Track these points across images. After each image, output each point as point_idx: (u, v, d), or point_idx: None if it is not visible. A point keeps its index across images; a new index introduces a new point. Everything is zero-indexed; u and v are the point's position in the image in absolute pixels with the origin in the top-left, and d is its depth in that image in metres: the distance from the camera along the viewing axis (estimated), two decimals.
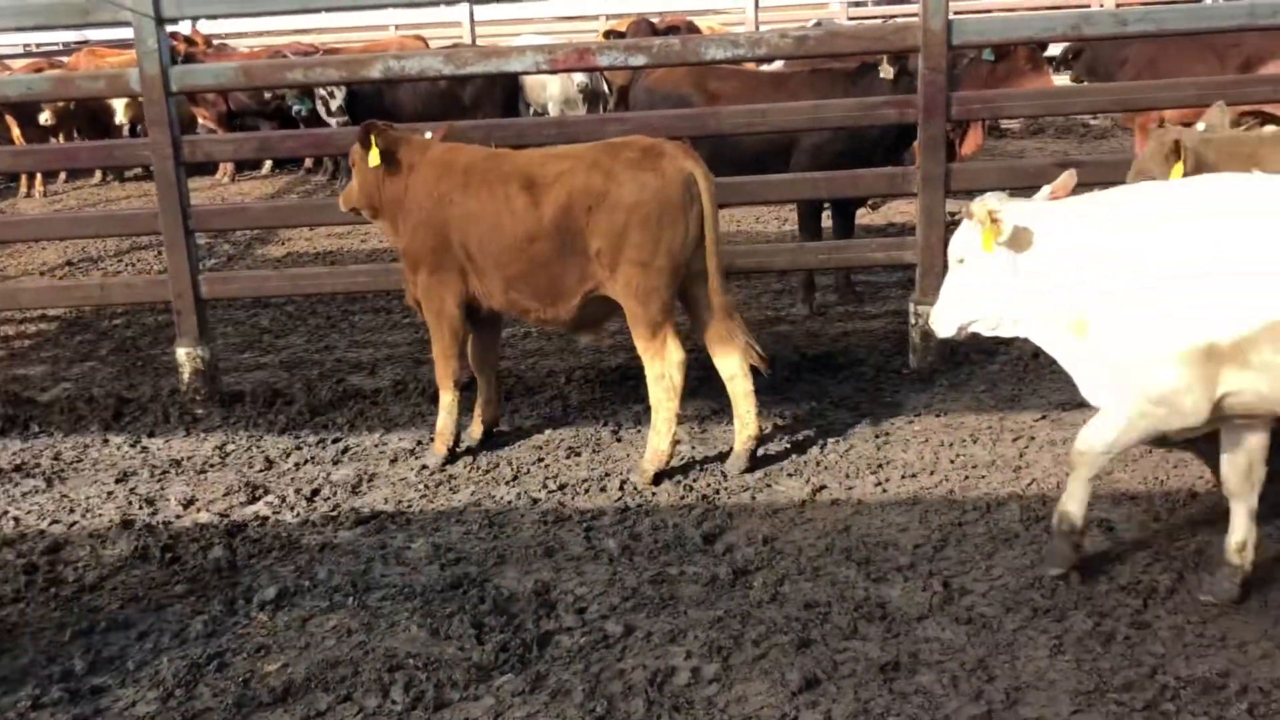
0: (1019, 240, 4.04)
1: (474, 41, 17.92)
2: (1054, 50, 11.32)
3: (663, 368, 5.26)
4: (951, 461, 5.44)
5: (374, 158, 5.53)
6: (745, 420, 5.42)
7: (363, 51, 14.02)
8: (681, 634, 4.09)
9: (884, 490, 5.19)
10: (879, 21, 16.96)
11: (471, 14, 18.00)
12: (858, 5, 21.24)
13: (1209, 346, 3.70)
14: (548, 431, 6.11)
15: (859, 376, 6.68)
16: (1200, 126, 4.91)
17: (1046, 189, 4.27)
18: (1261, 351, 3.65)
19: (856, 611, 4.17)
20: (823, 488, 5.26)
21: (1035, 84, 7.50)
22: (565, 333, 6.38)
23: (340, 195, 5.97)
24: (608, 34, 13.63)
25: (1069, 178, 4.25)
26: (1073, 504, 4.25)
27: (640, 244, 5.08)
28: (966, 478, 5.27)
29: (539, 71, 6.60)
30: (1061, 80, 10.93)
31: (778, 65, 9.69)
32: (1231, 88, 6.16)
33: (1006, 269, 4.10)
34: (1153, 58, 9.37)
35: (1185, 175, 4.42)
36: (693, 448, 5.80)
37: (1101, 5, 18.34)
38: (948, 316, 4.35)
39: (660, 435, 5.36)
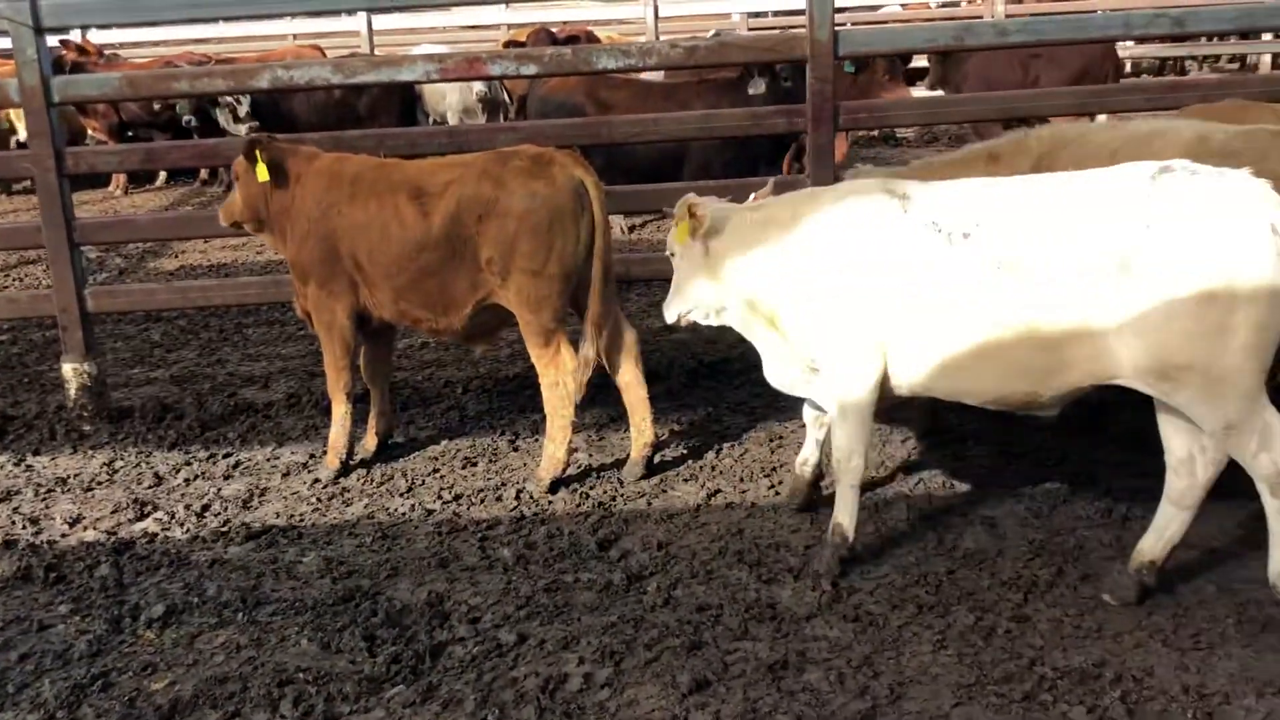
0: (713, 235, 4.43)
1: (373, 51, 17.78)
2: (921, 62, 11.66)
3: (557, 375, 5.27)
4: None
5: (261, 172, 5.46)
6: (641, 427, 5.46)
7: (257, 61, 13.85)
8: (574, 640, 4.10)
9: (777, 493, 5.26)
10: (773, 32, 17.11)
11: (370, 24, 17.84)
12: (758, 16, 21.44)
13: (870, 338, 4.15)
14: (444, 442, 6.08)
15: (755, 382, 6.68)
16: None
17: (753, 195, 4.76)
18: (917, 340, 4.08)
19: (747, 613, 4.22)
20: (718, 492, 5.31)
21: (892, 95, 7.70)
22: (458, 343, 6.35)
23: (220, 209, 5.88)
24: (508, 44, 13.62)
25: (770, 187, 4.73)
26: (844, 514, 4.46)
27: (531, 252, 5.09)
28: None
29: (430, 81, 6.55)
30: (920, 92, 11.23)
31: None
32: (1107, 95, 6.37)
33: (703, 262, 4.50)
34: (984, 70, 9.78)
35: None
36: (590, 455, 5.82)
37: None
38: (670, 305, 4.74)
39: (556, 443, 5.37)
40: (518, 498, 5.35)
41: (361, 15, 17.72)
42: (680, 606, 4.30)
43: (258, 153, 5.45)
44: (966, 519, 4.89)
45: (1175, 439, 4.02)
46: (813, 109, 6.26)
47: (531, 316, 5.19)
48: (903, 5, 21.80)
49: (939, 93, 10.44)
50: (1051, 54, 10.25)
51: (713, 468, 5.60)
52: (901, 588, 4.35)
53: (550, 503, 5.29)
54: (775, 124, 6.38)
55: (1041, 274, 3.82)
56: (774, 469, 5.52)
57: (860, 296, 4.13)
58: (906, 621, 4.12)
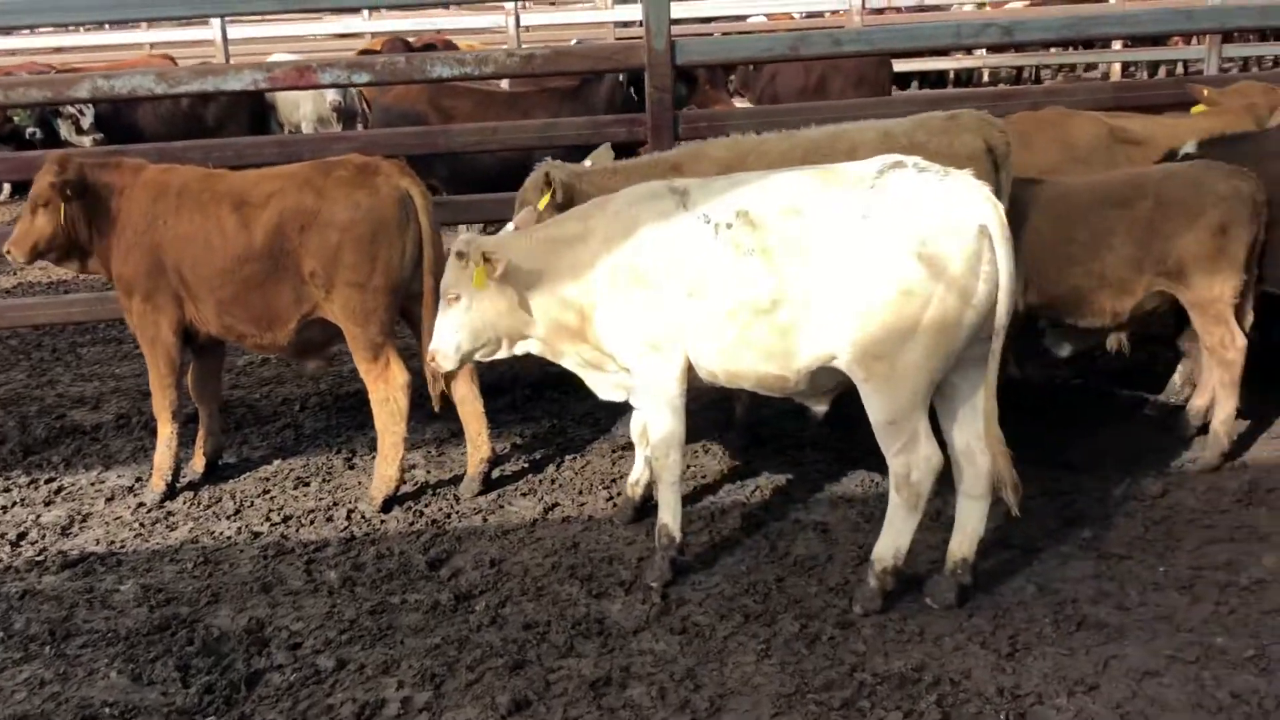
0: (509, 272, 4.31)
1: (228, 61, 17.31)
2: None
3: (387, 391, 5.15)
4: (687, 469, 5.48)
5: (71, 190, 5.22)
6: (478, 442, 5.35)
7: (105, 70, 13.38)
8: (395, 664, 4.00)
9: (615, 505, 5.20)
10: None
11: (224, 32, 17.37)
12: (625, 26, 21.42)
13: (667, 331, 4.18)
14: (277, 462, 5.90)
15: (519, 394, 6.66)
16: (587, 163, 5.35)
17: (511, 224, 4.70)
18: (704, 329, 4.13)
19: (575, 629, 4.15)
20: (555, 505, 5.24)
21: (717, 105, 7.75)
22: (288, 359, 6.17)
23: (10, 244, 5.36)
24: (363, 52, 13.37)
25: (529, 214, 4.66)
26: (668, 515, 4.46)
27: (355, 264, 4.96)
28: (698, 488, 5.33)
29: (258, 90, 6.38)
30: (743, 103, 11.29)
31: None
32: (937, 105, 6.45)
33: (497, 297, 4.38)
34: (778, 75, 9.94)
35: (555, 205, 4.91)
36: (429, 472, 5.70)
37: None
38: (450, 348, 4.50)
39: (388, 461, 5.24)
40: (349, 518, 5.21)
41: (215, 23, 17.22)
42: (507, 625, 4.22)
43: (57, 180, 5.17)
44: (799, 525, 4.89)
45: (954, 431, 4.13)
46: (652, 118, 6.24)
47: (358, 330, 5.06)
48: (767, 16, 21.97)
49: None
50: (836, 60, 10.26)
51: (553, 481, 5.52)
52: (730, 597, 4.33)
53: (383, 522, 5.16)
54: (615, 133, 6.34)
55: (778, 259, 3.96)
56: (614, 480, 5.47)
57: (653, 292, 4.17)
58: (733, 631, 4.09)
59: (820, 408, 4.41)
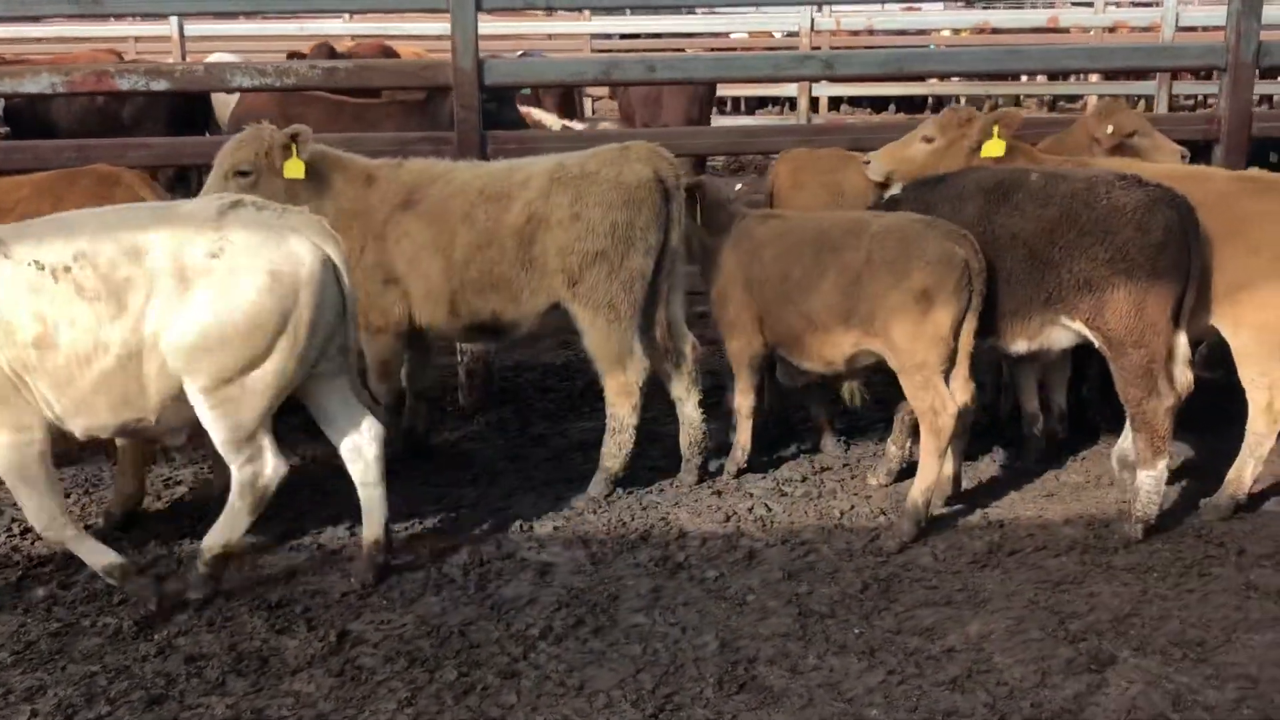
0: None
1: (184, 58, 17.29)
2: None
3: None
4: (437, 502, 5.38)
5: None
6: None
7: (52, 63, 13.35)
8: (42, 691, 3.90)
9: (353, 534, 5.07)
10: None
11: (181, 29, 17.37)
12: (602, 37, 21.35)
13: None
14: None
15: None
16: None
17: None
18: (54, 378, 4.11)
19: (235, 665, 4.03)
20: (289, 534, 5.11)
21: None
22: None
23: None
24: (291, 55, 13.30)
25: None
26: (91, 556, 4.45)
27: None
28: (457, 518, 5.20)
29: (56, 94, 6.27)
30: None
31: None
32: (759, 135, 6.35)
33: None
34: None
35: None
36: (158, 497, 5.58)
37: None
38: None
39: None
40: None
41: (174, 20, 17.21)
42: (172, 657, 4.10)
43: None
44: (522, 564, 4.76)
45: (334, 434, 4.59)
46: (459, 137, 6.15)
47: None
48: (749, 34, 21.83)
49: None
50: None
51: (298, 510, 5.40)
52: (409, 639, 4.19)
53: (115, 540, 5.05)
54: (422, 150, 6.20)
55: (126, 299, 4.03)
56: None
57: None
58: (390, 676, 3.96)
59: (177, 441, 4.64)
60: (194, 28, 18.16)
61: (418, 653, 4.10)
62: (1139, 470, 4.83)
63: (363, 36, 15.73)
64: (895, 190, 5.23)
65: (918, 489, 4.89)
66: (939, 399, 4.77)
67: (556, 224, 5.06)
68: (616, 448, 5.33)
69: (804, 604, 4.40)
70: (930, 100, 20.03)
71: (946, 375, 4.81)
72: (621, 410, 5.29)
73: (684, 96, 9.07)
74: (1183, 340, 4.78)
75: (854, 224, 5.02)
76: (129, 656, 4.11)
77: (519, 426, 6.36)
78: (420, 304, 5.30)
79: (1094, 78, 17.53)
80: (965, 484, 5.38)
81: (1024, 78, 19.74)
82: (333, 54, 12.62)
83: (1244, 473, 5.02)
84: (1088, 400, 6.05)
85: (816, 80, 14.44)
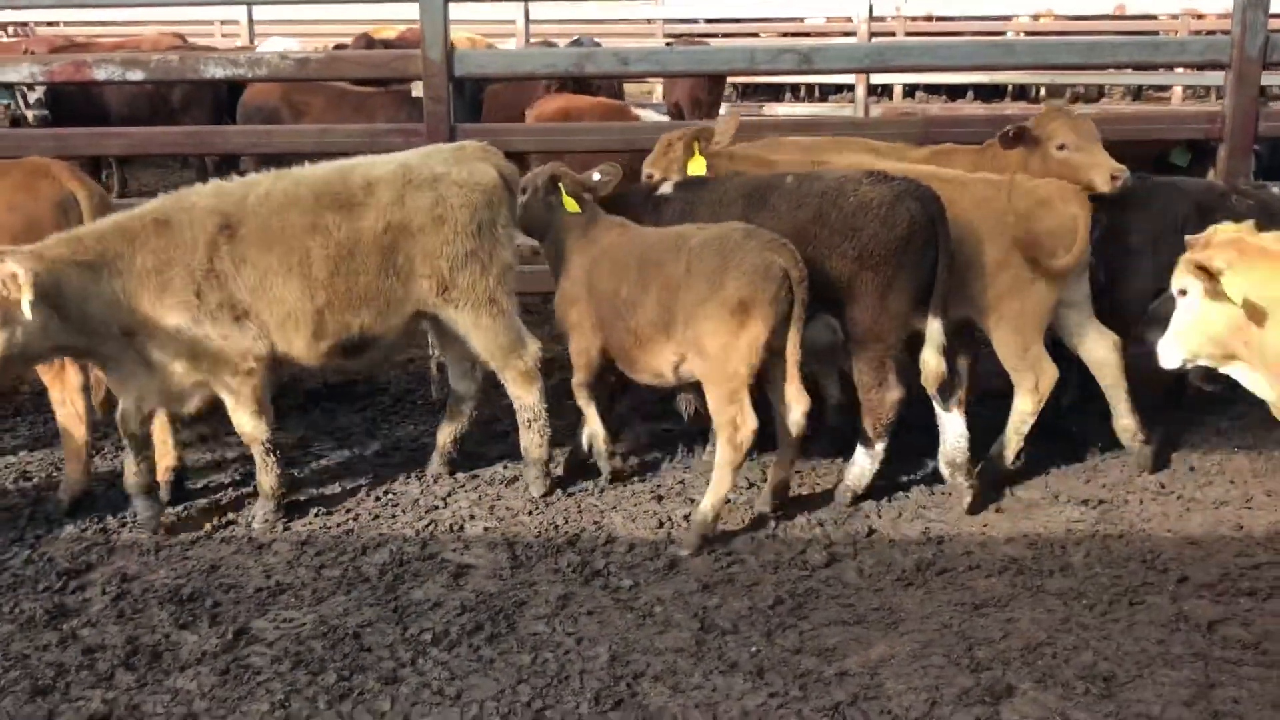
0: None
1: (251, 42, 17.60)
2: None
3: (64, 394, 5.14)
4: (377, 499, 5.37)
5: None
6: (163, 450, 5.30)
7: (114, 48, 13.63)
8: None
9: (287, 526, 5.10)
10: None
11: (250, 14, 17.70)
12: (676, 21, 21.19)
13: None
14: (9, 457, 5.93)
15: (376, 406, 6.60)
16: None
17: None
18: None
19: (128, 658, 4.07)
20: (231, 524, 5.15)
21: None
22: None
23: None
24: (337, 46, 13.44)
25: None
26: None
27: None
28: (375, 516, 5.19)
29: (36, 82, 6.39)
30: None
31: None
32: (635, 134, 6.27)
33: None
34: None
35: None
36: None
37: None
38: None
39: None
40: (31, 517, 5.20)
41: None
42: (72, 648, 4.16)
43: None
44: (442, 565, 4.73)
45: None
46: (428, 129, 6.12)
47: None
48: (826, 19, 21.49)
49: None
50: None
51: (251, 500, 5.40)
52: (305, 639, 4.19)
53: (60, 527, 5.13)
54: (392, 142, 6.20)
55: None
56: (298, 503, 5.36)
57: None
58: (272, 677, 3.96)
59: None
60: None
61: (307, 654, 4.09)
62: (859, 446, 5.10)
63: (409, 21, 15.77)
64: (666, 190, 5.30)
65: (708, 502, 4.83)
66: (742, 414, 4.68)
67: (419, 229, 4.98)
68: (538, 437, 5.31)
69: (709, 618, 4.29)
70: (1010, 88, 19.53)
71: (772, 388, 4.82)
72: (529, 399, 5.30)
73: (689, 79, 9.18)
74: (936, 326, 4.88)
75: (677, 237, 4.90)
76: (32, 645, 4.17)
77: (484, 423, 6.32)
78: (279, 331, 4.96)
79: (1179, 70, 16.89)
80: (911, 494, 5.24)
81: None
82: (370, 44, 12.71)
83: (1007, 450, 5.30)
84: (1066, 411, 5.83)
85: (791, 74, 14.09)
